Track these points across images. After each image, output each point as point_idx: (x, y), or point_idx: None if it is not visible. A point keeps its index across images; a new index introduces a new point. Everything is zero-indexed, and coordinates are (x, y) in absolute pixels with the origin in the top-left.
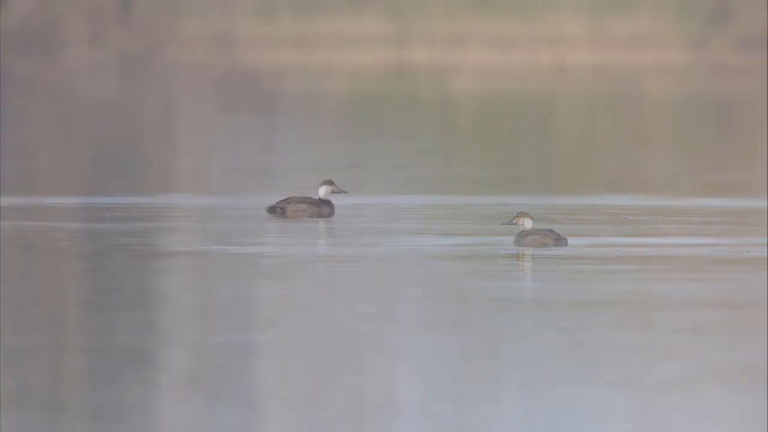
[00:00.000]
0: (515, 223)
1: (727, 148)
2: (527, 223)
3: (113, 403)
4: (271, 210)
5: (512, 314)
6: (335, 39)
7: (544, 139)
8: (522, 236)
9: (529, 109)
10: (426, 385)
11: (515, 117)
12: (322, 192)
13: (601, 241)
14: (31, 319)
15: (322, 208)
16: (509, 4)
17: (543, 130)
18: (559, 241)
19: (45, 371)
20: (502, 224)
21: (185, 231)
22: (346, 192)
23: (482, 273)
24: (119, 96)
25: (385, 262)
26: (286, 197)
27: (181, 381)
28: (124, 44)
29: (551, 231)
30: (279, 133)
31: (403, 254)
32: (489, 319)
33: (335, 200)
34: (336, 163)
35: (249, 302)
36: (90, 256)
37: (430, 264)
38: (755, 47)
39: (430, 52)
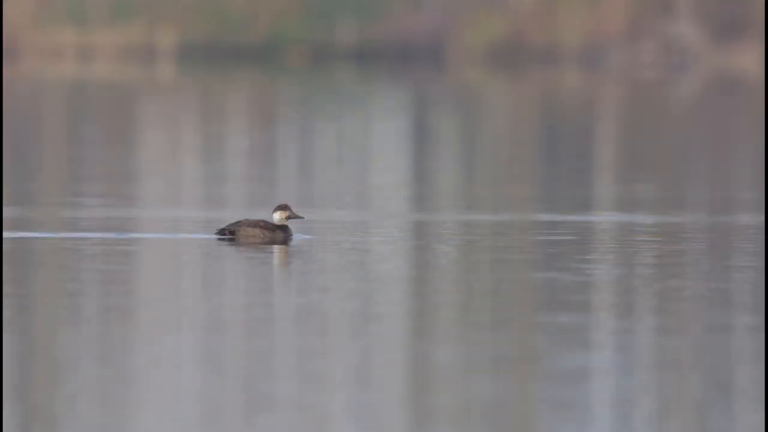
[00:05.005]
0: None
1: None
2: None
3: (113, 403)
4: (221, 233)
5: (513, 314)
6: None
7: (543, 148)
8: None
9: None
10: (426, 384)
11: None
12: (276, 218)
13: (601, 241)
14: (30, 322)
15: (276, 233)
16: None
17: (541, 135)
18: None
19: (45, 372)
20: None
21: (181, 236)
22: (302, 218)
23: (482, 273)
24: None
25: (367, 270)
26: (236, 220)
27: (180, 381)
28: None
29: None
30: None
31: (378, 273)
32: (489, 318)
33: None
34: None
35: (249, 302)
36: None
37: (422, 271)
38: (755, 47)
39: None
